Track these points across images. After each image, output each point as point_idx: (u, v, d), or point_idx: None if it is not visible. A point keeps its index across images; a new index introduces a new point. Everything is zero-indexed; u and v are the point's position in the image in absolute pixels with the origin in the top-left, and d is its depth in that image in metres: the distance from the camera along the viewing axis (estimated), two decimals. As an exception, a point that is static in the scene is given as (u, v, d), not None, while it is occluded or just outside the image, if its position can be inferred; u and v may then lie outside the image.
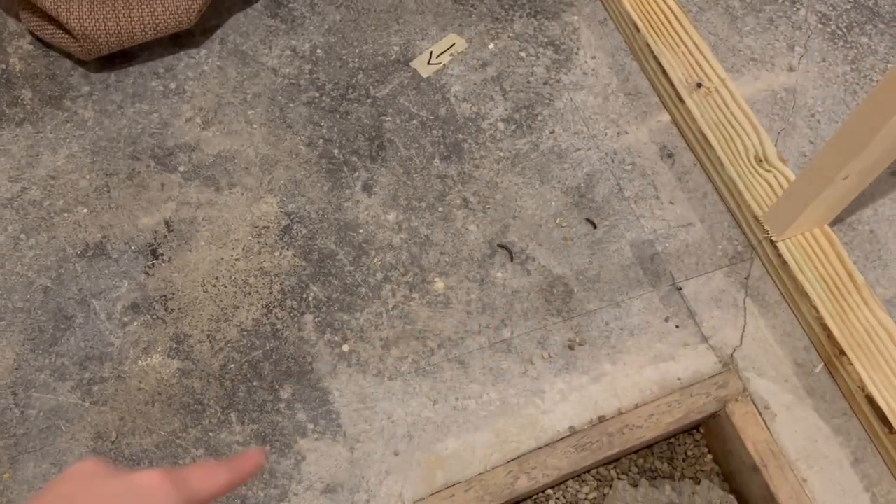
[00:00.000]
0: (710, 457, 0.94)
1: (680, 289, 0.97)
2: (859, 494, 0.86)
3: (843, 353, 0.91)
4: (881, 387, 0.89)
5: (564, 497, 0.88)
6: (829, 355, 0.93)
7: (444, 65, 1.11)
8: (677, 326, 0.95)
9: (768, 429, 0.89)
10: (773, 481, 0.85)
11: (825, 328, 0.92)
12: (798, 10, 1.21)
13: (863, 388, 0.89)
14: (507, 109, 1.09)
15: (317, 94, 1.07)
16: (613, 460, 0.91)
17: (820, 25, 1.19)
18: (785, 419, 0.90)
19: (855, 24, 1.19)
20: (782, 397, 0.91)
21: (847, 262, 0.96)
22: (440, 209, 1.00)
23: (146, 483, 0.37)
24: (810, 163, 0.88)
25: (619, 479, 0.90)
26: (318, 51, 1.11)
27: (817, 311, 0.93)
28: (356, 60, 1.11)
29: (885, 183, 1.06)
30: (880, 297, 0.97)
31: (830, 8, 1.21)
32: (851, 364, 0.90)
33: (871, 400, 0.88)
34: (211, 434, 0.86)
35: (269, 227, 0.98)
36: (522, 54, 1.14)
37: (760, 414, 0.89)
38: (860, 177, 0.87)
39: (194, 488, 0.38)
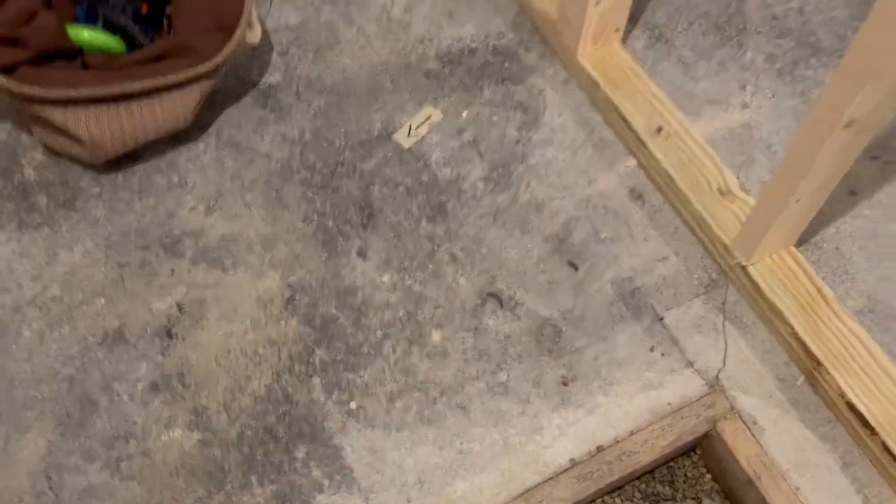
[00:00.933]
0: (708, 476, 0.98)
1: (661, 319, 1.04)
2: (851, 497, 0.90)
3: (820, 364, 0.96)
4: (860, 393, 0.94)
5: (573, 528, 0.92)
6: (808, 368, 0.98)
7: (423, 135, 1.21)
8: (662, 355, 1.01)
9: (759, 443, 0.93)
10: (768, 492, 0.90)
11: (801, 343, 0.98)
12: (745, 52, 1.30)
13: (843, 395, 0.94)
14: (484, 169, 1.17)
15: (308, 174, 1.16)
16: (616, 488, 0.96)
17: (767, 65, 1.28)
18: (773, 432, 0.94)
19: (800, 60, 1.28)
20: (768, 412, 0.96)
21: (815, 278, 1.03)
22: (430, 266, 1.08)
23: None
24: (765, 190, 0.96)
25: (623, 505, 0.94)
26: (307, 134, 1.20)
27: (792, 327, 0.99)
28: (342, 139, 1.20)
29: (845, 202, 1.13)
30: (850, 308, 1.03)
31: (775, 47, 1.31)
32: (829, 374, 0.95)
33: (851, 406, 0.93)
34: (234, 498, 0.91)
35: (273, 300, 1.05)
36: (494, 118, 1.23)
37: (749, 429, 0.94)
38: (812, 197, 0.95)
39: None
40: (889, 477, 0.91)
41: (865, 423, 0.92)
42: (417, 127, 1.22)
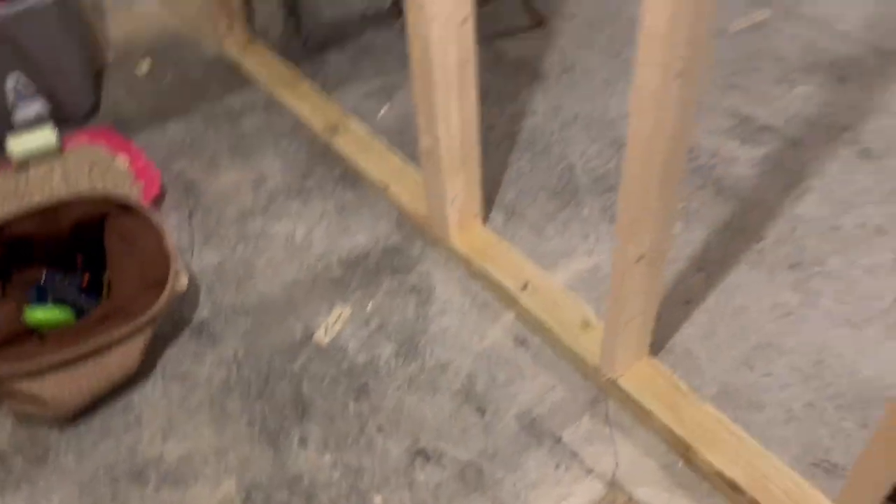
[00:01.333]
0: (629, 565, 1.15)
1: (560, 439, 1.24)
2: (738, 550, 1.08)
3: (690, 447, 1.17)
4: (726, 463, 1.15)
5: None
6: (682, 453, 1.19)
7: (338, 331, 1.44)
8: (567, 469, 1.20)
9: (657, 524, 1.12)
10: (673, 564, 1.07)
11: (672, 433, 1.19)
12: (582, 210, 1.62)
13: (713, 468, 1.14)
14: (394, 348, 1.40)
15: (245, 386, 1.36)
16: None
17: (601, 215, 1.59)
18: (667, 512, 1.13)
19: (626, 207, 1.60)
20: (660, 496, 1.15)
21: (672, 377, 1.26)
22: (362, 440, 1.26)
23: None
24: (605, 318, 1.21)
25: None
26: (239, 353, 1.42)
27: (661, 421, 1.21)
28: (269, 351, 1.42)
29: (682, 310, 1.40)
30: (706, 396, 1.26)
31: (605, 200, 1.63)
32: (698, 454, 1.16)
33: (721, 476, 1.14)
34: None
35: (232, 502, 1.21)
36: (394, 304, 1.48)
37: (648, 515, 1.13)
38: (642, 317, 1.20)
39: None
40: (765, 526, 1.10)
41: (735, 486, 1.12)
42: (333, 325, 1.45)
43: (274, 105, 1.98)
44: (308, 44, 2.21)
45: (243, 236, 1.64)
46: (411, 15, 1.21)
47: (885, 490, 0.88)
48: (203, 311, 1.49)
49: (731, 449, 1.17)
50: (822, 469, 1.17)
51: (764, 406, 1.26)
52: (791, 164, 1.69)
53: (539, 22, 2.20)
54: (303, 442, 1.28)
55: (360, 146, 1.78)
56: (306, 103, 1.93)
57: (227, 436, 1.30)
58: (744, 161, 1.70)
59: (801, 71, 1.93)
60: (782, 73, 1.93)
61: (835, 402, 1.25)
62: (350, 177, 1.76)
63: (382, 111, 1.95)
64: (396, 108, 1.95)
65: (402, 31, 1.90)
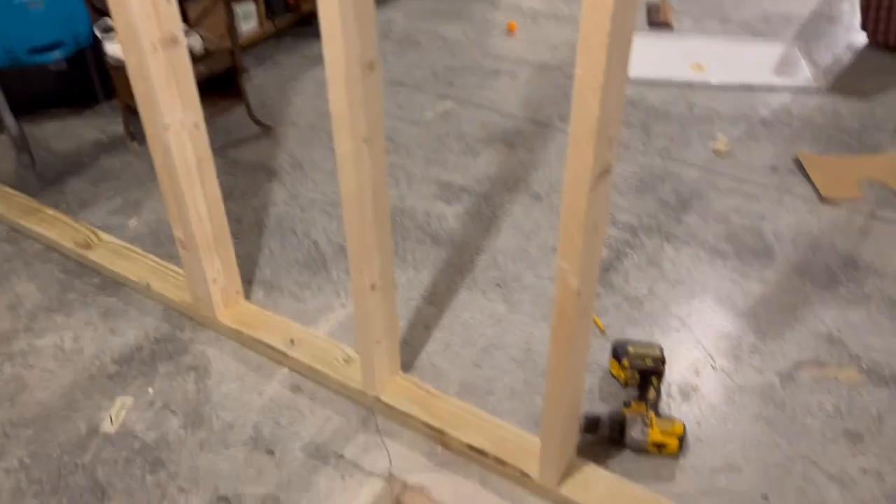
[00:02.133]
0: (415, 540, 1.38)
1: (342, 456, 1.46)
2: (491, 498, 1.37)
3: (444, 433, 1.47)
4: (472, 437, 1.45)
5: None
6: (439, 439, 1.48)
7: (123, 418, 1.54)
8: (351, 478, 1.43)
9: (430, 498, 1.38)
10: (446, 522, 1.33)
11: (428, 426, 1.48)
12: (331, 272, 1.90)
13: (463, 443, 1.44)
14: (180, 420, 1.54)
15: (38, 486, 1.41)
16: (359, 580, 1.31)
17: (346, 276, 1.89)
18: (438, 489, 1.40)
19: (365, 265, 1.92)
20: (429, 476, 1.42)
21: (421, 384, 1.56)
22: (165, 503, 1.38)
23: None
24: (359, 344, 1.48)
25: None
26: (24, 459, 1.46)
27: (419, 419, 1.49)
28: (57, 449, 1.48)
29: (423, 334, 1.72)
30: (451, 393, 1.57)
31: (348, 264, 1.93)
32: (451, 437, 1.46)
33: (471, 447, 1.44)
34: None
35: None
36: (174, 384, 1.62)
37: (422, 492, 1.39)
38: (388, 340, 1.49)
39: None
40: (506, 475, 1.41)
41: (482, 452, 1.43)
42: (117, 415, 1.55)
43: (18, 235, 2.04)
44: (44, 175, 2.29)
45: (8, 356, 1.68)
46: (148, 126, 1.44)
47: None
48: (-23, 431, 1.51)
49: (474, 427, 1.48)
50: (538, 429, 1.52)
51: (494, 391, 1.60)
52: (486, 212, 2.13)
53: (267, 130, 2.52)
54: (107, 521, 1.36)
55: (115, 255, 1.91)
56: (53, 227, 2.02)
57: (26, 535, 1.34)
58: (451, 216, 2.12)
59: (481, 143, 2.44)
60: (468, 146, 2.43)
61: (543, 377, 1.63)
62: (110, 284, 1.88)
63: (132, 224, 2.10)
64: (145, 220, 2.11)
65: (138, 153, 2.12)
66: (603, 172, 0.99)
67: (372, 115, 1.17)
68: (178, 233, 1.60)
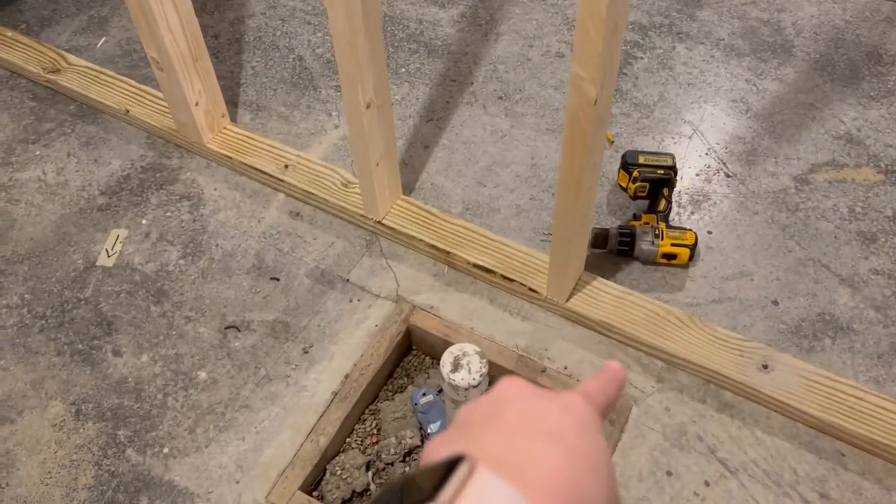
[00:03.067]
0: (427, 358, 1.40)
1: (348, 280, 1.44)
2: (500, 314, 1.37)
3: (449, 253, 1.43)
4: (477, 255, 1.42)
5: None
6: (444, 259, 1.45)
7: (119, 251, 1.50)
8: (359, 300, 1.41)
9: (438, 317, 1.37)
10: (457, 339, 1.33)
11: (433, 247, 1.44)
12: (320, 91, 1.78)
13: (469, 262, 1.41)
14: (179, 251, 1.50)
15: (43, 321, 1.40)
16: (374, 398, 1.33)
17: (337, 93, 1.77)
18: (444, 307, 1.39)
19: (356, 81, 1.79)
20: (436, 296, 1.41)
21: (422, 206, 1.50)
22: (174, 332, 1.38)
23: (570, 401, 0.40)
24: (356, 168, 1.40)
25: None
26: (25, 296, 1.44)
27: (423, 241, 1.45)
28: (57, 284, 1.45)
29: (423, 154, 1.64)
30: (455, 213, 1.52)
31: (337, 80, 1.80)
32: (456, 255, 1.42)
33: (478, 266, 1.41)
34: (110, 561, 1.14)
35: (64, 419, 1.28)
36: (168, 214, 1.56)
37: (430, 312, 1.38)
38: (385, 160, 1.41)
39: (599, 403, 0.42)
40: (514, 292, 1.40)
41: (488, 270, 1.40)
42: (112, 247, 1.51)
43: (-21, 59, 1.89)
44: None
45: (-9, 192, 1.61)
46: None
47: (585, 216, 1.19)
48: (-28, 270, 1.48)
49: (479, 246, 1.44)
50: (548, 241, 1.49)
51: (499, 209, 1.55)
52: (483, 15, 1.96)
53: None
54: (116, 352, 1.36)
55: (88, 79, 1.78)
56: (14, 51, 1.86)
57: (40, 369, 1.34)
58: (446, 21, 1.95)
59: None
60: (461, -60, 2.19)
61: (549, 192, 1.57)
62: (87, 111, 1.76)
63: (100, 43, 1.93)
64: (114, 38, 1.95)
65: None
66: (626, -40, 0.86)
67: None
68: (151, 53, 1.46)
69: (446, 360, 1.00)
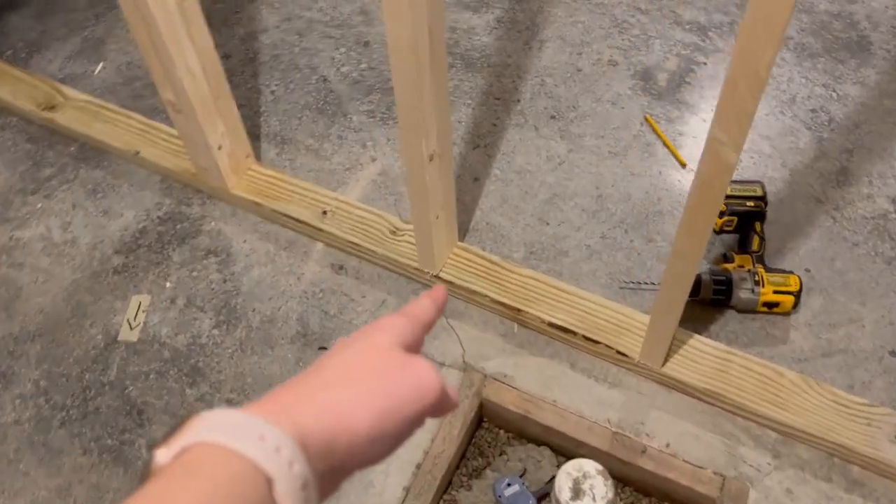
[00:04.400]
0: (502, 432, 1.24)
1: (406, 346, 1.27)
2: (587, 382, 1.21)
3: (520, 311, 1.26)
4: (553, 313, 1.25)
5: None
6: (514, 317, 1.28)
7: (143, 322, 1.32)
8: (421, 370, 1.24)
9: (514, 388, 1.21)
10: (539, 416, 1.17)
11: (500, 303, 1.27)
12: (351, 118, 1.59)
13: (543, 321, 1.25)
14: (211, 318, 1.32)
15: (64, 413, 1.23)
16: (447, 484, 1.17)
17: (370, 119, 1.58)
18: (518, 375, 1.23)
19: (391, 105, 1.60)
20: (508, 362, 1.24)
21: (483, 253, 1.33)
22: (215, 421, 1.21)
23: (372, 326, 0.42)
24: (413, 218, 1.23)
25: (458, 492, 1.16)
26: (41, 381, 1.26)
27: (488, 296, 1.28)
28: (75, 366, 1.28)
29: (475, 188, 1.46)
30: (518, 259, 1.35)
31: (369, 104, 1.61)
32: (528, 312, 1.26)
33: (553, 325, 1.24)
34: None
35: (100, 534, 1.12)
36: (194, 273, 1.38)
37: (503, 382, 1.22)
38: (444, 211, 1.23)
39: (414, 321, 0.44)
40: (598, 355, 1.23)
41: (567, 330, 1.24)
42: (135, 318, 1.33)
43: (-37, 95, 1.68)
44: (-25, 12, 1.87)
45: (-10, 255, 1.43)
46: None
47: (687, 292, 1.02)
48: (-23, 354, 1.30)
49: (553, 300, 1.27)
50: (628, 290, 1.32)
51: (567, 251, 1.38)
52: (522, 20, 1.77)
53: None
54: (151, 444, 1.19)
55: (90, 115, 1.58)
56: (4, 86, 1.66)
57: (64, 472, 1.17)
58: (481, 29, 1.76)
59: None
60: (489, -67, 1.98)
61: (622, 228, 1.40)
62: (90, 152, 1.57)
63: (98, 69, 1.73)
64: (114, 62, 1.74)
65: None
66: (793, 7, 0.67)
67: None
68: (166, 95, 1.27)
69: (563, 483, 0.84)
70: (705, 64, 1.65)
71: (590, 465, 0.84)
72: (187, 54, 1.19)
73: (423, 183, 1.12)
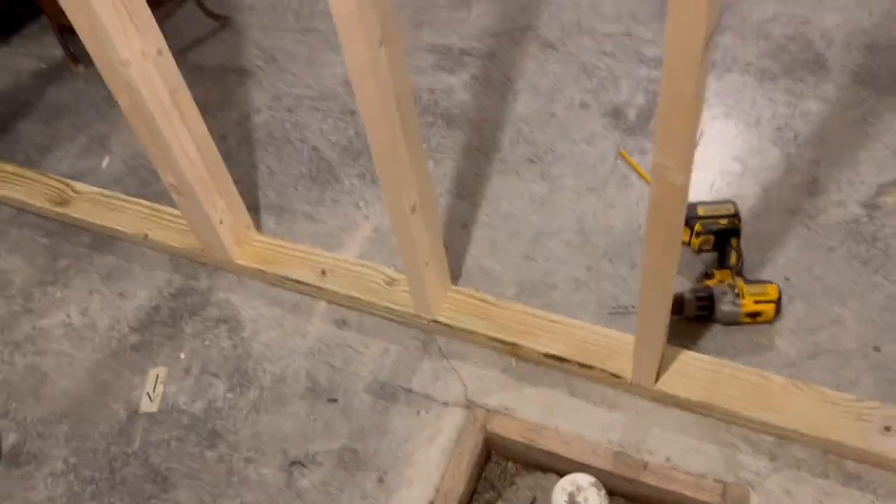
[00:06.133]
0: (510, 463, 1.28)
1: (410, 390, 1.33)
2: (586, 407, 1.26)
3: (516, 345, 1.32)
4: (547, 344, 1.31)
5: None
6: (511, 351, 1.34)
7: (162, 392, 1.40)
8: (427, 412, 1.30)
9: (517, 419, 1.26)
10: (546, 444, 1.22)
11: (496, 339, 1.34)
12: (342, 181, 1.69)
13: (539, 352, 1.31)
14: (225, 383, 1.39)
15: (94, 486, 1.29)
16: None
17: (360, 181, 1.68)
18: (521, 406, 1.28)
19: (378, 165, 1.69)
20: (509, 395, 1.30)
21: (476, 293, 1.40)
22: (235, 478, 1.27)
23: None
24: (405, 268, 1.30)
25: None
26: (70, 458, 1.33)
27: (484, 334, 1.34)
28: (101, 441, 1.34)
29: (462, 234, 1.54)
30: (510, 297, 1.42)
31: (360, 167, 1.71)
32: (523, 346, 1.32)
33: (549, 356, 1.30)
34: None
35: None
36: (206, 343, 1.46)
37: (507, 413, 1.27)
38: (433, 258, 1.31)
39: None
40: (595, 380, 1.29)
41: (562, 359, 1.29)
42: (154, 390, 1.40)
43: (-18, 200, 1.80)
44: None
45: (16, 345, 1.51)
46: (103, 66, 1.17)
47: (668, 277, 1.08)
48: (9, 438, 1.37)
49: (547, 332, 1.33)
50: (617, 315, 1.38)
51: (556, 285, 1.44)
52: (496, 75, 1.88)
53: (222, 22, 2.18)
54: (178, 510, 1.25)
55: (100, 206, 1.69)
56: (18, 186, 1.77)
57: (97, 543, 1.23)
58: (458, 88, 1.87)
59: (472, -8, 2.13)
60: (458, -2, 2.12)
61: (606, 258, 1.47)
62: (103, 240, 1.67)
63: (105, 164, 1.85)
64: (118, 156, 1.86)
65: (86, 76, 1.81)
66: (712, 35, 0.76)
67: (384, 8, 0.92)
68: (167, 179, 1.37)
69: (559, 498, 0.90)
70: (672, 96, 1.74)
71: (583, 479, 0.89)
72: (183, 140, 1.30)
73: (409, 233, 1.20)
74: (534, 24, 1.99)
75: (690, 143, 0.85)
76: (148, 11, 1.14)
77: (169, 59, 1.22)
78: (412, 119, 1.08)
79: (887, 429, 1.14)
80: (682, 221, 0.98)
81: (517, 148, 1.70)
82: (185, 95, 1.27)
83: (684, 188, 0.90)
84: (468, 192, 1.63)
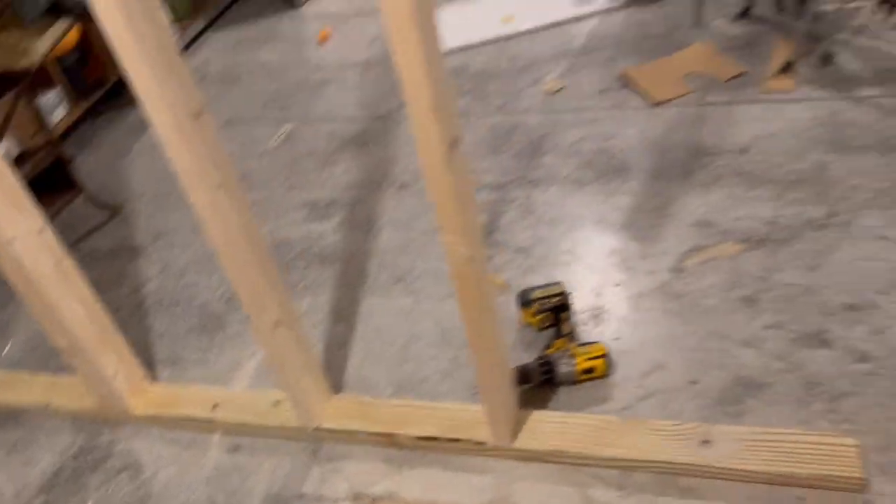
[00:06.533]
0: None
1: (303, 495, 1.45)
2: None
3: (393, 435, 1.48)
4: (419, 428, 1.47)
5: None
6: (392, 442, 1.49)
7: (69, 545, 1.46)
8: (320, 511, 1.42)
9: (401, 500, 1.39)
10: None
11: (376, 434, 1.49)
12: (228, 329, 1.86)
13: (415, 438, 1.46)
14: (130, 524, 1.47)
15: None
16: None
17: (244, 325, 1.86)
18: (404, 488, 1.41)
19: (261, 308, 1.89)
20: (391, 481, 1.43)
21: (357, 398, 1.56)
22: None
23: None
24: (277, 379, 1.47)
25: None
26: None
27: (365, 431, 1.49)
28: None
29: (341, 354, 1.73)
30: (389, 396, 1.59)
31: (243, 314, 1.90)
32: (401, 436, 1.47)
33: (421, 438, 1.46)
34: None
35: None
36: (110, 491, 1.54)
37: (391, 498, 1.40)
38: (310, 371, 1.48)
39: None
40: (464, 451, 1.44)
41: (432, 437, 1.45)
42: (61, 545, 1.47)
43: None
44: None
45: (-81, 531, 1.55)
46: (-8, 245, 1.36)
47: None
48: None
49: (419, 418, 1.50)
50: (476, 396, 1.57)
51: (426, 378, 1.63)
52: (361, 217, 2.15)
53: (114, 211, 2.41)
54: None
55: (2, 387, 1.79)
56: (-80, 383, 1.87)
57: None
58: (328, 232, 2.12)
59: (333, 153, 2.45)
60: (321, 160, 2.43)
61: (465, 349, 1.67)
62: (7, 418, 1.76)
63: (5, 350, 1.97)
64: (19, 340, 1.99)
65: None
66: (452, 143, 1.03)
67: (218, 159, 1.16)
68: (59, 342, 1.52)
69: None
70: (508, 211, 2.04)
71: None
72: (72, 304, 1.47)
73: (277, 349, 1.38)
74: (389, 173, 2.30)
75: (465, 220, 1.09)
76: (25, 196, 1.35)
77: (50, 235, 1.42)
78: (261, 247, 1.30)
79: (705, 442, 1.34)
80: (485, 286, 1.20)
81: (383, 273, 1.94)
82: (69, 263, 1.46)
83: (474, 258, 1.14)
84: (344, 316, 1.84)
